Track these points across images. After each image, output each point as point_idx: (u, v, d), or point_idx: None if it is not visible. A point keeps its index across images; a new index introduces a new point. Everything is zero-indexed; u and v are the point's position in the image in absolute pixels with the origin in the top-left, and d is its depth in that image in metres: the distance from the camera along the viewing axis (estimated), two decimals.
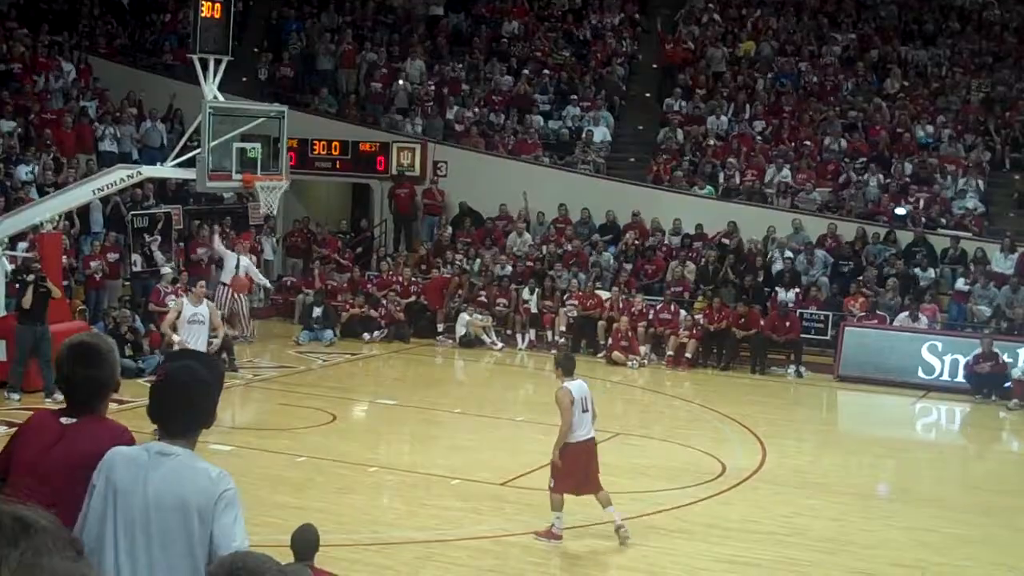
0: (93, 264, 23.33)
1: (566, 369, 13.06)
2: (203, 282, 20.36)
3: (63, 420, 4.97)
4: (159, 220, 25.23)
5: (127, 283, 24.74)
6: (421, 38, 34.16)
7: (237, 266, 24.58)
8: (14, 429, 5.34)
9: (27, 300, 18.83)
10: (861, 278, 25.27)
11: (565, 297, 25.90)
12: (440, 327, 26.16)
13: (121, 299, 23.27)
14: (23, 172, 25.10)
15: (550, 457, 12.79)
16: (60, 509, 4.71)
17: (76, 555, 2.20)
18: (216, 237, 25.30)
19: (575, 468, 12.68)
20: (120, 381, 5.07)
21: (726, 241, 27.07)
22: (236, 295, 24.50)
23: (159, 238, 24.88)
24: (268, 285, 26.34)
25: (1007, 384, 22.13)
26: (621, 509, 14.09)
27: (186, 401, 4.57)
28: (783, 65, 32.14)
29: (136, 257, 24.55)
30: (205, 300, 19.28)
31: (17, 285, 19.78)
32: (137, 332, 21.40)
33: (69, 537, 2.22)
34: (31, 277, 19.16)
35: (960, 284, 24.93)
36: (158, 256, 24.58)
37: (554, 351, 25.03)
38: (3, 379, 18.69)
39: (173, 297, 22.94)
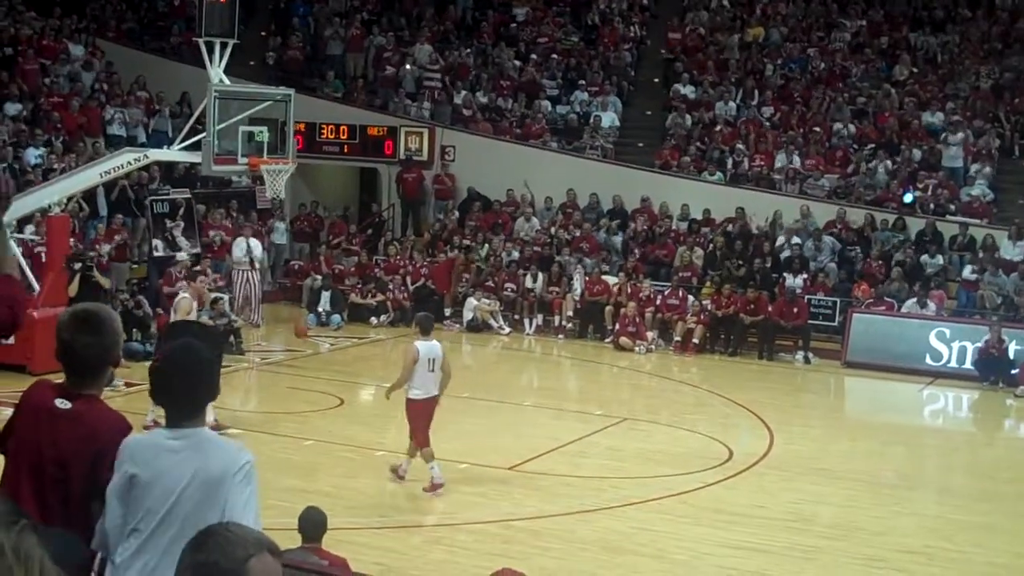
0: (98, 247, 23.27)
1: (423, 329, 14.14)
2: (203, 277, 20.39)
3: (59, 404, 4.80)
4: (180, 206, 25.18)
5: (135, 266, 24.71)
6: (430, 22, 34.11)
7: (247, 251, 24.72)
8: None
9: (73, 288, 18.70)
10: (866, 262, 25.29)
11: (572, 282, 25.85)
12: (447, 311, 26.15)
13: (129, 282, 23.26)
14: (32, 156, 25.08)
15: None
16: (52, 498, 4.72)
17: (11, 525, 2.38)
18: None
19: (424, 421, 13.76)
20: (121, 356, 4.96)
21: (731, 228, 26.99)
22: (251, 279, 24.56)
23: (182, 223, 24.80)
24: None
25: (1014, 371, 22.10)
26: (628, 494, 14.16)
27: (189, 382, 4.50)
28: (792, 51, 32.05)
29: (157, 242, 24.46)
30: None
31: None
32: (146, 316, 21.37)
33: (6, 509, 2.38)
34: (78, 265, 19.04)
35: (967, 272, 24.86)
36: (182, 241, 24.46)
37: (560, 336, 25.23)
38: (11, 362, 18.61)
39: (184, 283, 22.96)
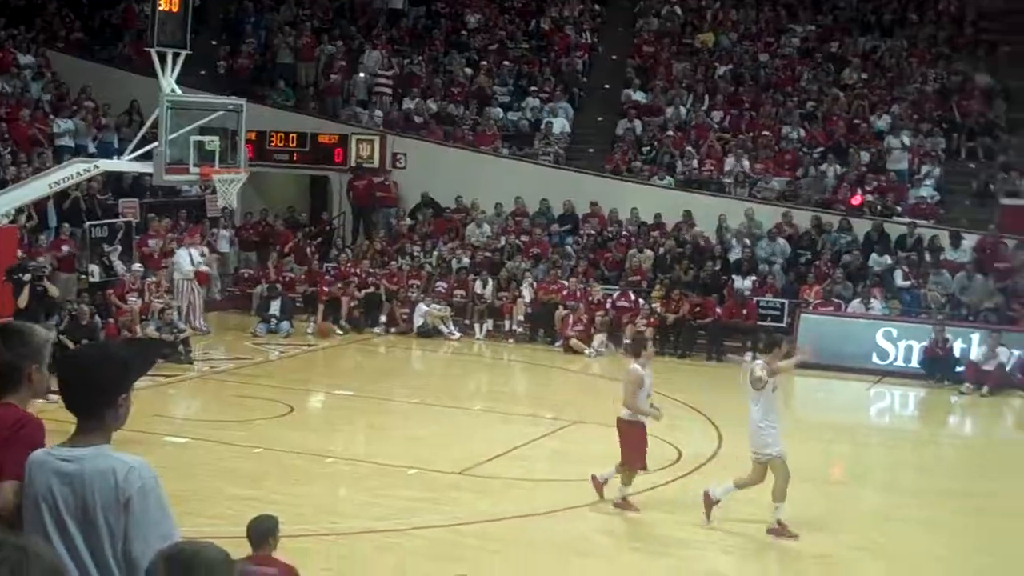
0: (39, 259, 22.83)
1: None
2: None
3: None
4: (119, 230, 25.01)
5: (83, 277, 24.41)
6: (381, 30, 34.11)
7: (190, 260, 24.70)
8: None
9: (23, 300, 18.48)
10: (816, 265, 25.52)
11: (521, 288, 25.89)
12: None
13: (80, 293, 23.07)
14: None
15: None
16: None
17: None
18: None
19: None
20: (39, 372, 4.92)
21: (684, 235, 27.12)
22: (194, 288, 24.51)
23: (119, 248, 24.61)
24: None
25: (959, 369, 22.38)
26: (579, 497, 14.25)
27: (85, 376, 4.40)
28: (742, 56, 32.28)
29: (93, 267, 24.18)
30: None
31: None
32: (95, 327, 21.14)
33: None
34: (27, 276, 18.83)
35: (899, 279, 25.10)
36: (118, 266, 24.25)
37: (511, 340, 25.28)
38: None
39: (136, 294, 22.88)
